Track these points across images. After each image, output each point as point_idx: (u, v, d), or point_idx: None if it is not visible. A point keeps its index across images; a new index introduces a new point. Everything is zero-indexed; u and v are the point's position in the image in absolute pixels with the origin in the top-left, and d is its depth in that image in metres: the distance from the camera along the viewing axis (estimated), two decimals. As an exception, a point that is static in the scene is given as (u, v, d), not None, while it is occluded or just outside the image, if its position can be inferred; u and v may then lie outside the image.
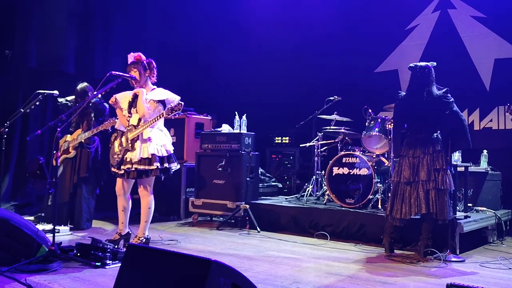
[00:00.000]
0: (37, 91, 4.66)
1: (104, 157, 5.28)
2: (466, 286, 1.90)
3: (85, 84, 5.55)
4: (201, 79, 8.41)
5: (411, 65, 4.45)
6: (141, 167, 4.12)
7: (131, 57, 4.32)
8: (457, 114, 4.27)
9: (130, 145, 4.20)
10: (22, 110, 4.71)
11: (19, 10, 6.51)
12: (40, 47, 6.65)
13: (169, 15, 8.30)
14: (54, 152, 3.86)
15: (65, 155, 5.40)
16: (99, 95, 5.33)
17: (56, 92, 4.82)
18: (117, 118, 4.49)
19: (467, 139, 4.24)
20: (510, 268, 3.98)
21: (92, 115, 5.41)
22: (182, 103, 4.07)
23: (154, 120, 4.15)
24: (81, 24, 7.14)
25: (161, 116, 4.15)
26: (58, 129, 3.79)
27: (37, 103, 4.66)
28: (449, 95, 4.25)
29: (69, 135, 5.47)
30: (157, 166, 4.13)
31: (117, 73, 4.15)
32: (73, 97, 5.61)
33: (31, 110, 4.80)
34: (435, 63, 4.41)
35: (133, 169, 4.14)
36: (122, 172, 4.22)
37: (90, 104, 5.38)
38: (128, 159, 4.18)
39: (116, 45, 7.56)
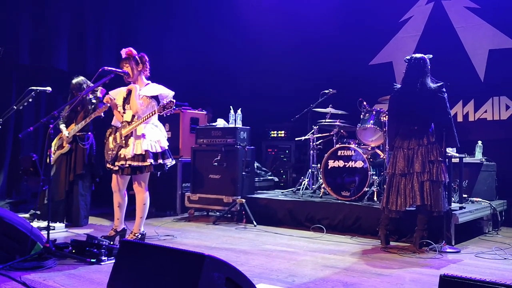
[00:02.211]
0: (30, 88, 4.63)
1: (99, 153, 5.26)
2: (460, 277, 1.90)
3: (81, 77, 5.50)
4: (195, 74, 8.37)
5: (407, 57, 4.45)
6: (135, 163, 4.11)
7: (123, 53, 4.29)
8: (446, 112, 4.24)
9: (124, 141, 4.18)
10: (15, 107, 4.67)
11: (11, 6, 6.46)
12: (33, 43, 6.60)
13: (161, 9, 8.25)
14: (48, 149, 3.84)
15: (60, 151, 5.36)
16: (92, 92, 5.31)
17: (49, 88, 4.79)
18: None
19: (455, 138, 4.24)
20: (505, 258, 3.99)
21: (90, 107, 5.36)
22: (174, 100, 4.05)
23: (147, 117, 4.13)
24: (73, 20, 7.10)
25: (153, 113, 4.13)
26: (51, 125, 3.77)
27: (30, 99, 4.63)
28: (443, 89, 4.24)
29: (64, 130, 5.40)
30: (151, 163, 4.12)
31: (110, 68, 4.14)
32: None
33: (24, 107, 4.77)
34: (431, 56, 4.40)
35: (127, 165, 4.13)
36: (117, 168, 4.21)
37: (91, 100, 5.34)
38: (122, 156, 4.17)
39: (108, 40, 7.52)
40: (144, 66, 4.33)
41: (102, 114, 5.00)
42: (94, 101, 5.35)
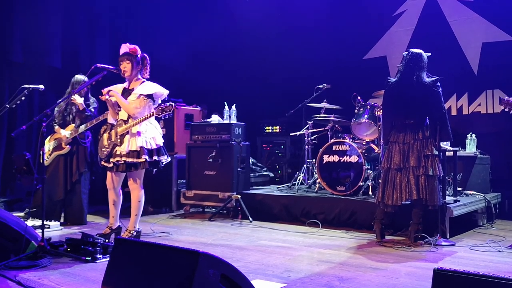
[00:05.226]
0: (23, 86, 4.59)
1: (96, 151, 5.24)
2: (453, 270, 1.90)
3: (83, 77, 5.39)
4: (189, 70, 8.35)
5: (405, 52, 4.47)
6: (130, 159, 4.09)
7: (125, 47, 4.22)
8: (440, 107, 4.25)
9: (119, 140, 4.17)
10: (8, 106, 4.63)
11: (3, 3, 6.39)
12: (25, 41, 6.55)
13: (152, 5, 8.19)
14: (41, 148, 3.82)
15: (57, 152, 5.33)
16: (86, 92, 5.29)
17: (41, 86, 4.75)
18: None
19: (449, 132, 4.27)
20: (499, 251, 4.02)
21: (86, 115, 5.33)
22: (173, 104, 4.07)
23: (143, 119, 4.11)
24: (66, 17, 7.04)
25: (151, 115, 4.10)
26: (44, 124, 3.74)
27: (23, 98, 4.59)
28: (438, 84, 4.25)
29: (62, 131, 5.34)
30: (146, 159, 4.10)
31: (102, 65, 4.11)
32: None
33: (17, 105, 4.73)
34: (429, 54, 4.41)
35: (122, 161, 4.11)
36: (111, 165, 4.20)
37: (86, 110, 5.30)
38: (117, 152, 4.15)
39: (101, 37, 7.46)
40: (144, 68, 4.31)
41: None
42: (89, 113, 5.29)
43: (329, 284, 3.08)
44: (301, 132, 6.33)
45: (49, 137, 5.40)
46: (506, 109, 4.17)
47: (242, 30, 8.13)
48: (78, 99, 5.16)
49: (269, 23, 7.91)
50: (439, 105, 4.25)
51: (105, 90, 4.26)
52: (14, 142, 6.47)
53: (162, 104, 4.08)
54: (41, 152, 3.98)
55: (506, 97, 4.19)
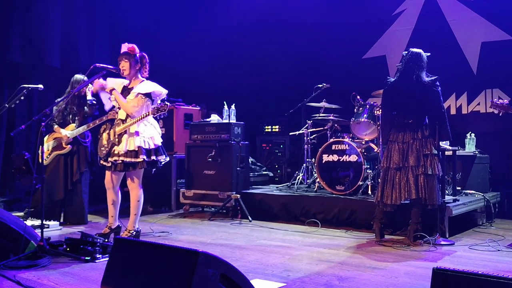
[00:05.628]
0: (22, 86, 4.58)
1: (96, 150, 5.24)
2: (452, 269, 1.90)
3: (82, 76, 5.38)
4: (189, 69, 8.33)
5: (404, 51, 4.47)
6: (128, 159, 4.09)
7: (124, 47, 4.24)
8: (440, 106, 4.26)
9: (117, 139, 4.17)
10: (7, 105, 4.63)
11: (2, 3, 6.38)
12: (24, 40, 6.54)
13: (154, 4, 8.19)
14: (40, 147, 3.82)
15: (58, 152, 5.32)
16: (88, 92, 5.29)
17: (40, 86, 4.74)
18: (118, 108, 4.35)
19: (448, 132, 4.28)
20: (498, 250, 4.02)
21: (89, 109, 5.34)
22: (168, 104, 4.07)
23: (140, 118, 4.11)
24: (66, 16, 7.03)
25: (146, 115, 4.11)
26: (43, 123, 3.74)
27: (22, 97, 4.58)
28: (438, 83, 4.25)
29: (63, 131, 5.33)
30: (144, 159, 4.10)
31: (101, 65, 4.12)
32: None
33: (16, 105, 4.73)
34: (429, 54, 4.41)
35: (120, 161, 4.11)
36: (110, 164, 4.20)
37: (92, 101, 5.31)
38: (115, 152, 4.16)
39: (100, 36, 7.46)
40: (143, 67, 4.31)
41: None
42: (94, 102, 5.29)
43: (329, 283, 3.09)
44: (300, 131, 6.33)
45: (47, 136, 5.38)
46: (496, 111, 4.16)
47: (241, 29, 8.12)
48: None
49: (268, 23, 7.90)
50: (439, 105, 4.26)
51: (107, 81, 4.27)
52: (13, 141, 6.46)
53: (158, 104, 4.10)
54: (40, 152, 3.97)
55: (495, 99, 4.18)
